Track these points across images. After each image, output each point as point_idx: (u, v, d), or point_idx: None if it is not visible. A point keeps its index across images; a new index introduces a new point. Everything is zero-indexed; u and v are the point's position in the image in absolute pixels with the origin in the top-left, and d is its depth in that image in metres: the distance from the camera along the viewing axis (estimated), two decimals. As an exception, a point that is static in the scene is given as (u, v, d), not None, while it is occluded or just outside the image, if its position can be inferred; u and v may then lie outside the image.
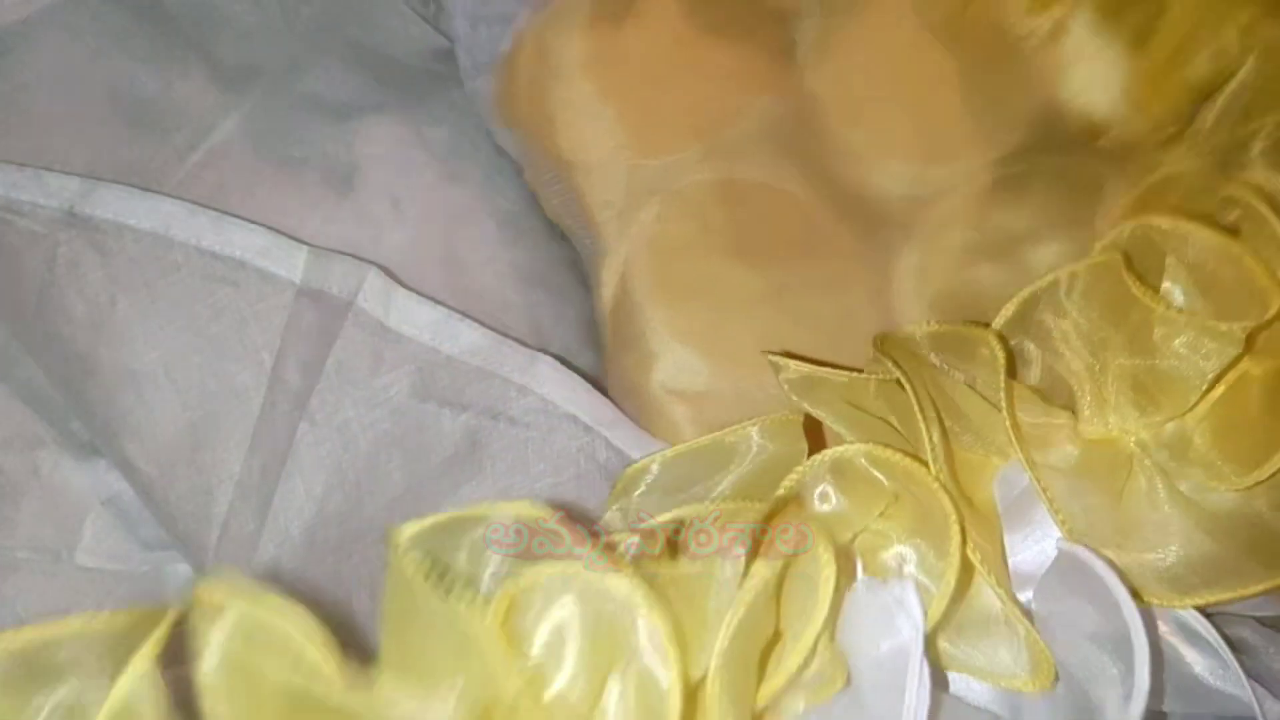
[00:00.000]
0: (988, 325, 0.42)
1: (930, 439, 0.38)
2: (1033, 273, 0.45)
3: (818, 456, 0.38)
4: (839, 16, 0.53)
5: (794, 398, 0.43)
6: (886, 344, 0.42)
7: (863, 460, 0.38)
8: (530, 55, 0.53)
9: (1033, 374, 0.43)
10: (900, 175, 0.51)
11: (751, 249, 0.50)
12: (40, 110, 0.52)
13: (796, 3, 0.53)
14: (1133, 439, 0.41)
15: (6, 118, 0.52)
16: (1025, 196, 0.51)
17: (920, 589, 0.37)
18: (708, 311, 0.50)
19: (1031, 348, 0.43)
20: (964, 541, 0.36)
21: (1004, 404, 0.39)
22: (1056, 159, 0.51)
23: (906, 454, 0.38)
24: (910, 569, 0.38)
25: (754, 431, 0.41)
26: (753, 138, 0.52)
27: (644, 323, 0.50)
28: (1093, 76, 0.51)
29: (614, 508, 0.42)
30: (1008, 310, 0.43)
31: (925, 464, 0.38)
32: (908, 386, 0.39)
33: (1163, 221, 0.42)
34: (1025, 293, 0.42)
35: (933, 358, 0.41)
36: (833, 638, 0.36)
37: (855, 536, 0.39)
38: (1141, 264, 0.41)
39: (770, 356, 0.44)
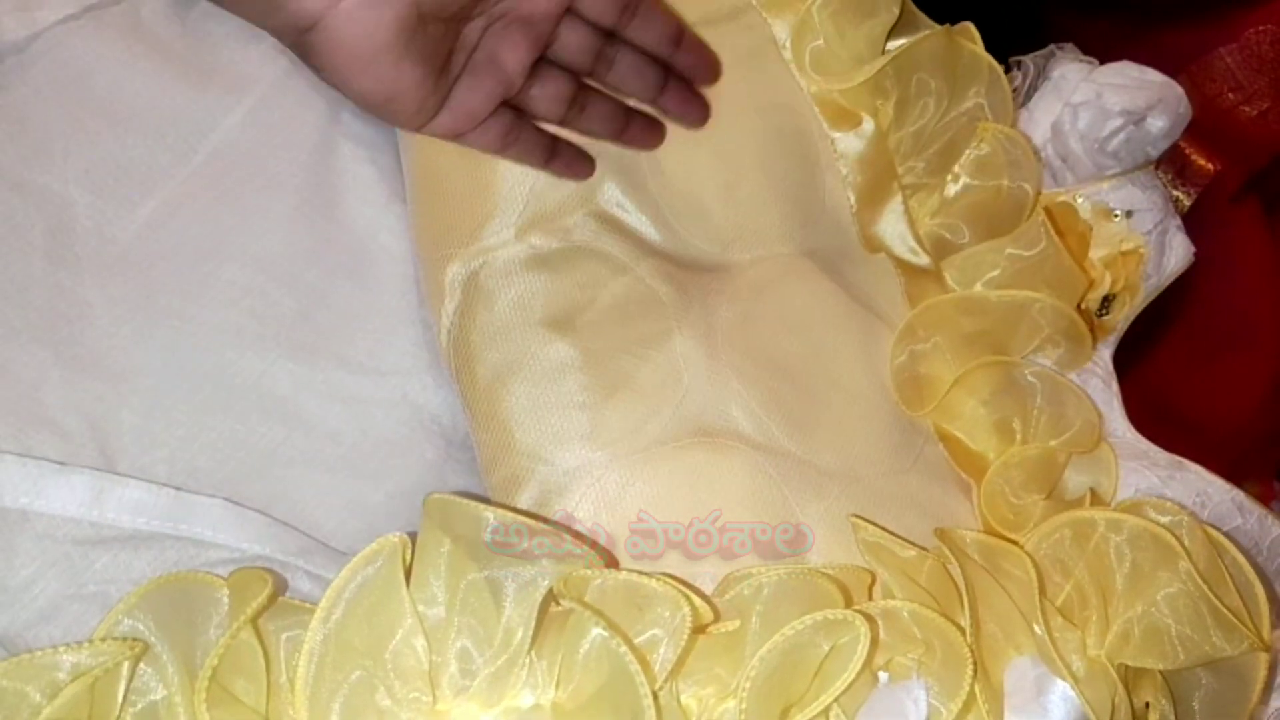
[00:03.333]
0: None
1: (970, 614, 0.45)
2: (824, 350, 0.56)
3: (876, 604, 0.46)
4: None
5: (866, 556, 0.50)
6: (945, 538, 0.48)
7: (905, 614, 0.45)
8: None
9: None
10: (710, 253, 0.57)
11: (564, 318, 0.52)
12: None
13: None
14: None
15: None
16: (823, 282, 0.58)
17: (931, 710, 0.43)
18: (525, 389, 0.50)
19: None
20: (974, 678, 0.43)
21: (1041, 619, 0.45)
22: (844, 266, 0.60)
23: (944, 615, 0.44)
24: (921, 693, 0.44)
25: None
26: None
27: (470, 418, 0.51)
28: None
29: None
30: (1049, 531, 0.49)
31: (960, 628, 0.44)
32: (959, 575, 0.46)
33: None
34: (1066, 518, 0.49)
35: (977, 558, 0.48)
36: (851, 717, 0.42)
37: (888, 661, 0.45)
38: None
39: (852, 518, 0.50)
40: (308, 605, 0.40)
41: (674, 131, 0.57)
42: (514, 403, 0.50)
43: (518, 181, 0.53)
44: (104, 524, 0.44)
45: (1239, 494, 0.57)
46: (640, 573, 0.41)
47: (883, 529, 0.49)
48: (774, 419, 0.53)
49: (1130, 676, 0.47)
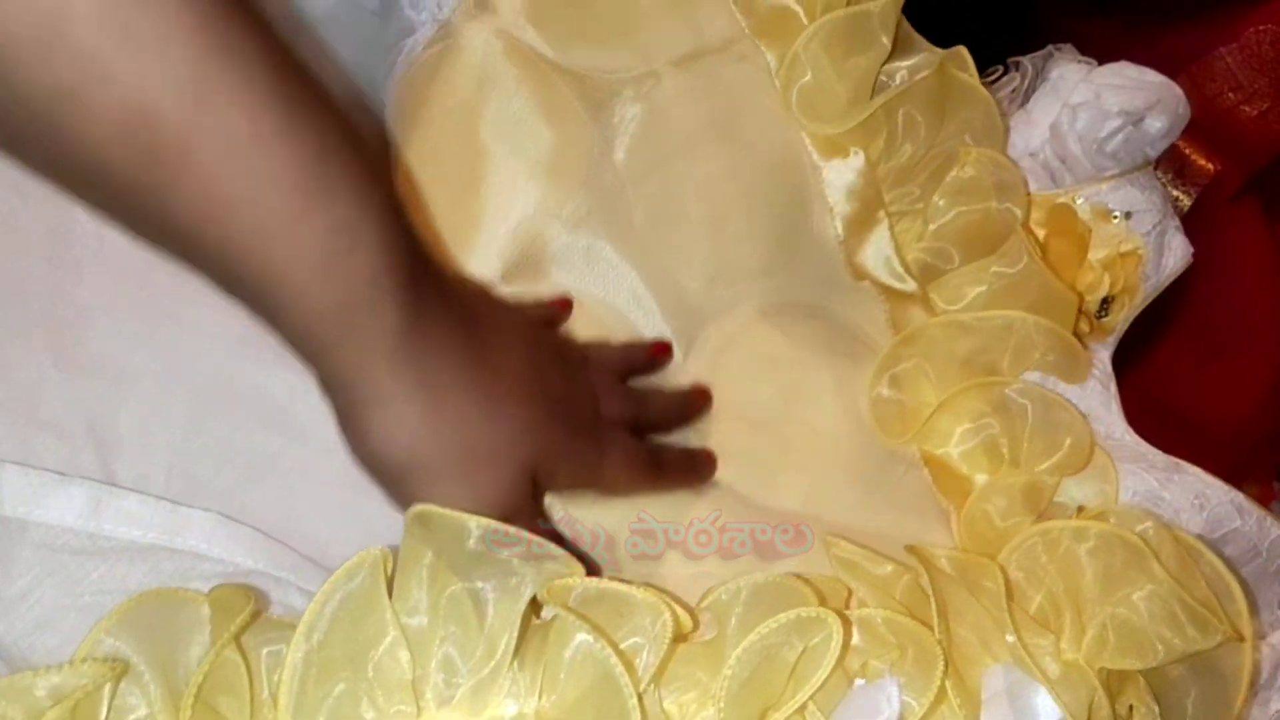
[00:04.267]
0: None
1: (938, 613, 0.46)
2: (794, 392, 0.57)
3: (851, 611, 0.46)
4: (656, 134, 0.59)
5: (841, 573, 0.50)
6: (916, 553, 0.49)
7: (879, 621, 0.45)
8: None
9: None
10: (692, 290, 0.58)
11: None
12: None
13: (611, 99, 0.58)
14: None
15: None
16: (798, 322, 0.59)
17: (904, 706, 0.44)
18: None
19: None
20: (945, 674, 0.43)
21: (1011, 625, 0.46)
22: (829, 296, 0.60)
23: (916, 619, 0.45)
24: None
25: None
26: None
27: None
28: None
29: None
30: (1019, 543, 0.50)
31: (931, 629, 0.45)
32: (929, 587, 0.46)
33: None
34: (1036, 530, 0.50)
35: (950, 571, 0.48)
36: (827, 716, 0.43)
37: (863, 665, 0.45)
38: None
39: (827, 537, 0.50)
40: (289, 621, 0.41)
41: (663, 168, 0.58)
42: None
43: (502, 218, 0.54)
44: (101, 535, 0.45)
45: (1238, 495, 0.57)
46: (620, 580, 0.41)
47: (858, 545, 0.49)
48: (732, 469, 0.53)
49: (1112, 681, 0.47)
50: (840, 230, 0.61)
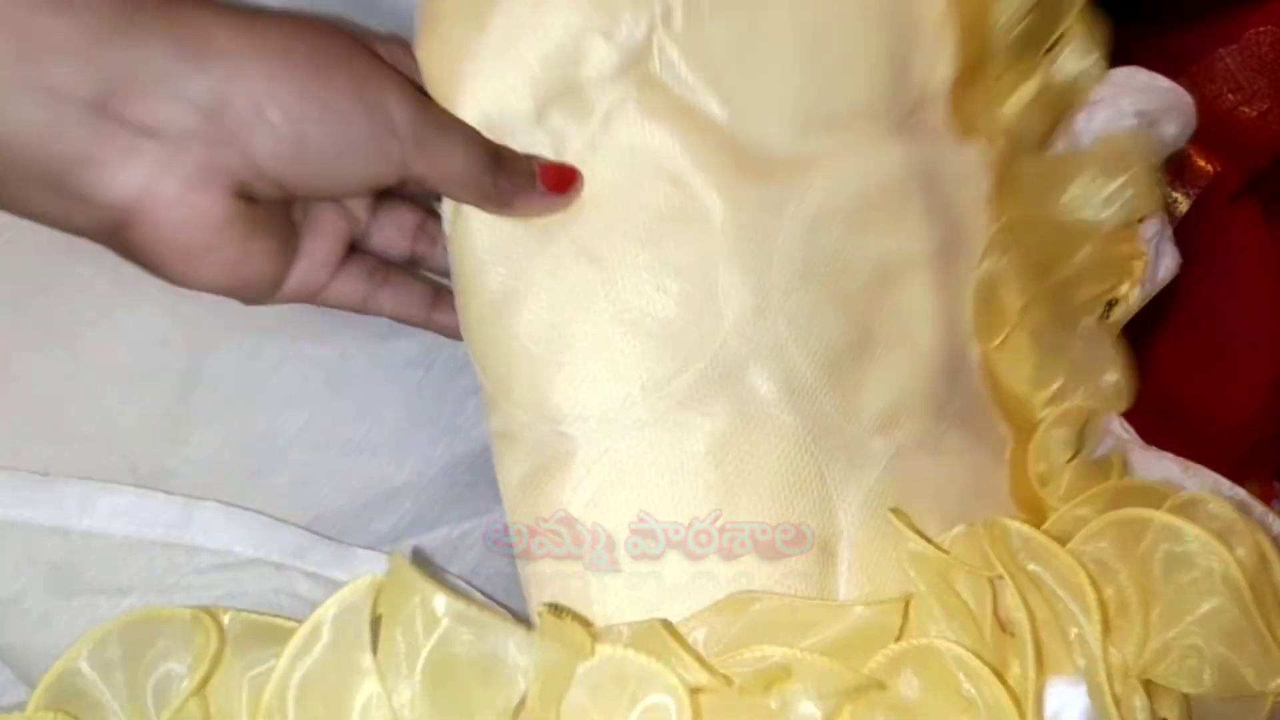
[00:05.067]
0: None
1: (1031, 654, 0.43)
2: (891, 268, 0.50)
3: (907, 644, 0.42)
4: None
5: (910, 570, 0.46)
6: (991, 534, 0.45)
7: (950, 661, 0.42)
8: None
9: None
10: (782, 139, 0.47)
11: (583, 235, 0.45)
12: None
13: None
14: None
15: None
16: (896, 183, 0.50)
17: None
18: (533, 320, 0.44)
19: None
20: None
21: (1099, 652, 0.43)
22: (933, 152, 0.52)
23: (995, 672, 0.42)
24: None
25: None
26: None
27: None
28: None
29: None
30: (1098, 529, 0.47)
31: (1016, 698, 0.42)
32: (1022, 602, 0.43)
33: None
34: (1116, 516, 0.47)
35: (1024, 560, 0.45)
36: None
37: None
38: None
39: (890, 514, 0.46)
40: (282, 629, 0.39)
41: None
42: (516, 340, 0.44)
43: (534, 39, 0.43)
44: (94, 533, 0.44)
45: (1241, 492, 0.58)
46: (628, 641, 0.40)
47: (925, 538, 0.46)
48: (821, 375, 0.47)
49: (1152, 690, 0.46)
50: (949, 72, 0.52)
